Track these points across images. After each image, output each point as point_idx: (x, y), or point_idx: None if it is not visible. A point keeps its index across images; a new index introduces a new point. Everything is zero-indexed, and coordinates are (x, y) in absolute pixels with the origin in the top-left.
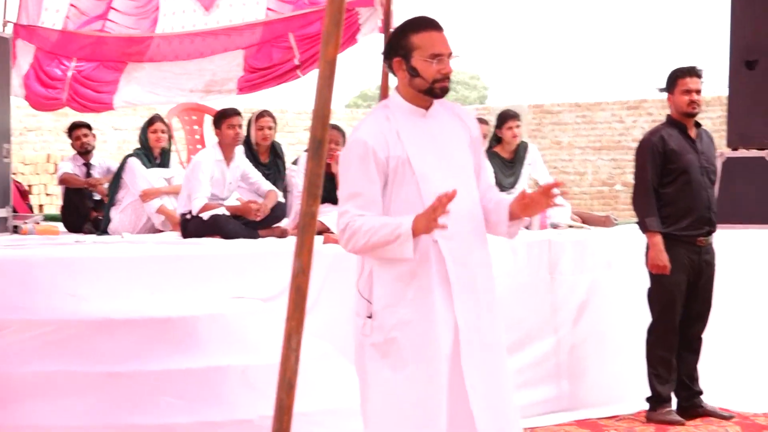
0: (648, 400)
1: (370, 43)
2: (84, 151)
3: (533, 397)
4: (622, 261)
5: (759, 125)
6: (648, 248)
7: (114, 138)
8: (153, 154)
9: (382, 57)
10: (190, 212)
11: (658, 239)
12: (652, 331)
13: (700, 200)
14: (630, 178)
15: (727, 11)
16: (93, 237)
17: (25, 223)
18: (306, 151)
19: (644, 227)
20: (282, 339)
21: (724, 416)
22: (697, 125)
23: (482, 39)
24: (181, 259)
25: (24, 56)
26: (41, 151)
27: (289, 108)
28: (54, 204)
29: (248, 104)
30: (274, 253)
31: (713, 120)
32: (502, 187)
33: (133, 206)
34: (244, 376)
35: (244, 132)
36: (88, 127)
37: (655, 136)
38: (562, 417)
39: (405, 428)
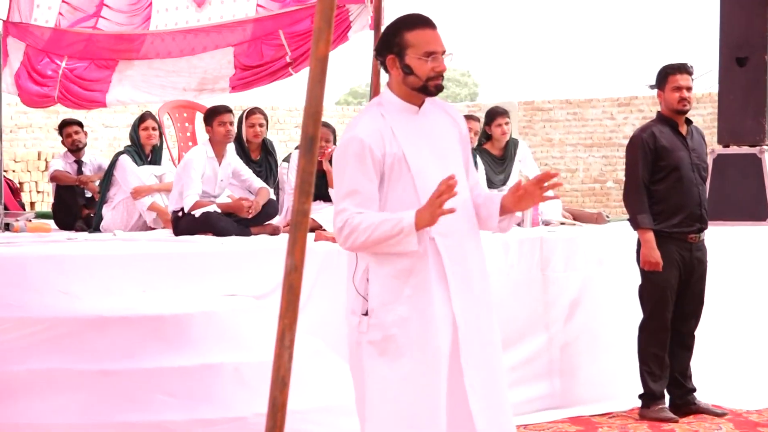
0: (641, 397)
1: (360, 40)
2: (75, 149)
3: (526, 394)
4: (613, 258)
5: (749, 122)
6: (639, 245)
7: (105, 135)
8: (144, 152)
9: (373, 54)
10: (181, 209)
11: (650, 236)
12: (643, 328)
13: (691, 197)
14: (621, 175)
15: (716, 8)
16: (85, 234)
17: (17, 220)
18: (297, 148)
19: (636, 224)
20: (275, 336)
21: (717, 413)
22: (688, 122)
23: (473, 36)
24: (174, 257)
25: (15, 54)
26: (32, 148)
27: (280, 105)
28: (45, 201)
29: (239, 101)
30: (266, 251)
31: (704, 117)
32: (493, 184)
33: (124, 204)
34: (237, 373)
35: (235, 129)
36: (80, 124)
37: (645, 132)
38: (554, 414)
39: (404, 426)
